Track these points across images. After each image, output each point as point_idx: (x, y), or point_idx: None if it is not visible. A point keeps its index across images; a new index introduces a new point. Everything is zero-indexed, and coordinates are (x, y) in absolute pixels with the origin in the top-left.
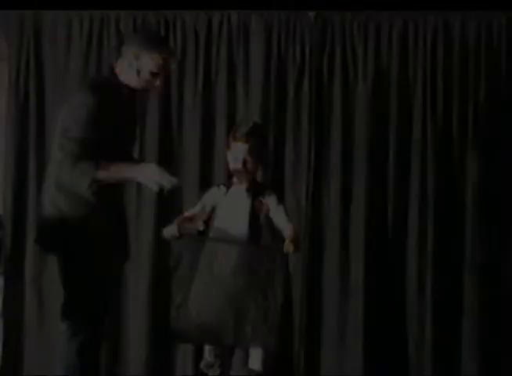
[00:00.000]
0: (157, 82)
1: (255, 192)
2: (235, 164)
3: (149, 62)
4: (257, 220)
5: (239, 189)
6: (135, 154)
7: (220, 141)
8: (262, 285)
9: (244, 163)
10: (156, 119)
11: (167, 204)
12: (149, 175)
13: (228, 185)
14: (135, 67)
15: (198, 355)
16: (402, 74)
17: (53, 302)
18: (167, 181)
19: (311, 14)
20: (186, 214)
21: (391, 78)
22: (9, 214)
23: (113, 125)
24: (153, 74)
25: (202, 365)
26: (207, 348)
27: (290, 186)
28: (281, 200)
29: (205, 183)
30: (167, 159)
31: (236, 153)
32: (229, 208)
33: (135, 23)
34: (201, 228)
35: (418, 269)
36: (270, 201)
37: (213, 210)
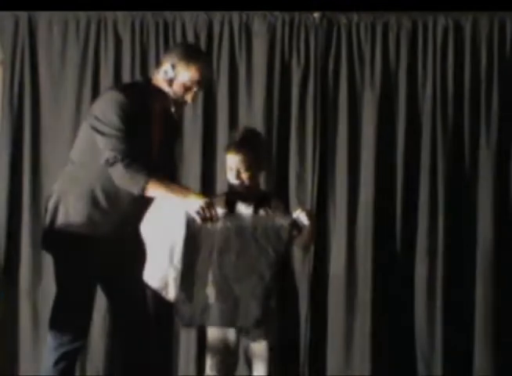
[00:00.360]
0: (188, 98)
1: (259, 204)
2: (230, 177)
3: (184, 73)
4: None
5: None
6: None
7: (222, 148)
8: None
9: (238, 174)
10: None
11: None
12: (195, 207)
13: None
14: (169, 76)
15: (199, 356)
16: (411, 78)
17: (48, 315)
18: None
19: (316, 15)
20: None
21: (399, 81)
22: (3, 226)
23: (148, 137)
24: (186, 88)
25: None
26: (208, 363)
27: (294, 193)
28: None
29: (207, 193)
30: None
31: (229, 166)
32: None
33: (133, 25)
34: None
35: (428, 282)
36: (275, 210)
37: None
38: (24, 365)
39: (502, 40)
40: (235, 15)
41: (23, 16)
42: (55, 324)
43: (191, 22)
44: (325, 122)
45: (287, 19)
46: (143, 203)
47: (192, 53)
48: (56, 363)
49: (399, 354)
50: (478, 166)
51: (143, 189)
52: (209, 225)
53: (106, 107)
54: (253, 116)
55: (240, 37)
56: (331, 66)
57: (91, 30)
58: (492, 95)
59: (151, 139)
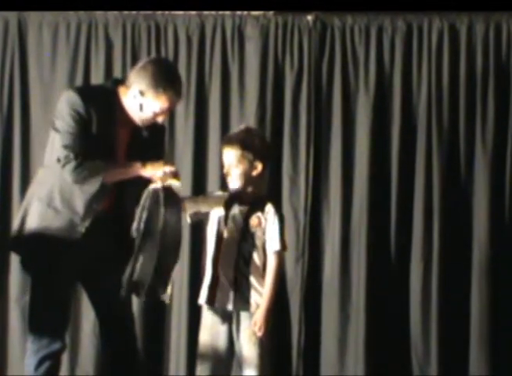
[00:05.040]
0: (159, 120)
1: (253, 206)
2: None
3: (154, 102)
4: (250, 237)
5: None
6: None
7: (214, 152)
8: None
9: (228, 170)
10: None
11: None
12: (155, 171)
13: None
14: (138, 102)
15: (191, 354)
16: (406, 81)
17: None
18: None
19: (310, 17)
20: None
21: (393, 84)
22: None
23: (104, 143)
24: (156, 115)
25: None
26: (198, 367)
27: (287, 197)
28: (279, 215)
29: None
30: None
31: (223, 161)
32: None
33: (125, 28)
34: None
35: (422, 287)
36: (267, 216)
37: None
38: (13, 371)
39: (497, 42)
40: (227, 18)
41: (12, 18)
42: (32, 328)
43: (183, 25)
44: (319, 125)
45: (280, 21)
46: (97, 205)
47: (161, 82)
48: (37, 367)
49: (394, 358)
50: (474, 170)
51: (101, 185)
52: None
53: (61, 106)
54: (245, 119)
55: (233, 40)
56: (325, 69)
57: (81, 32)
58: (487, 98)
59: (114, 141)
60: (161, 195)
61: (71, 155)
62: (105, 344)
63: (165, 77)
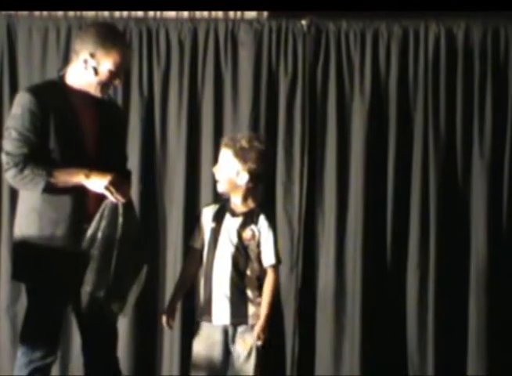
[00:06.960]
0: (117, 81)
1: (246, 218)
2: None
3: (107, 60)
4: (244, 250)
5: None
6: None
7: (207, 158)
8: None
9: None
10: (138, 136)
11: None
12: (100, 185)
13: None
14: (91, 66)
15: (184, 354)
16: (402, 86)
17: None
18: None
19: (304, 22)
20: None
21: (389, 90)
22: None
23: (70, 134)
24: (112, 74)
25: None
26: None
27: (281, 205)
28: (272, 225)
29: (191, 203)
30: (150, 177)
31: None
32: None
33: None
34: None
35: (419, 295)
36: (261, 229)
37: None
38: None
39: (495, 48)
40: (220, 22)
41: (1, 23)
42: (26, 340)
43: (175, 30)
44: (313, 132)
45: (274, 26)
46: (86, 204)
47: (108, 37)
48: None
49: (389, 369)
50: (471, 177)
51: (44, 188)
52: (120, 200)
53: (14, 110)
54: (239, 126)
55: (226, 46)
56: (319, 75)
57: (72, 38)
58: (485, 104)
59: (80, 132)
60: (121, 209)
61: (11, 162)
62: (87, 361)
63: (110, 33)
